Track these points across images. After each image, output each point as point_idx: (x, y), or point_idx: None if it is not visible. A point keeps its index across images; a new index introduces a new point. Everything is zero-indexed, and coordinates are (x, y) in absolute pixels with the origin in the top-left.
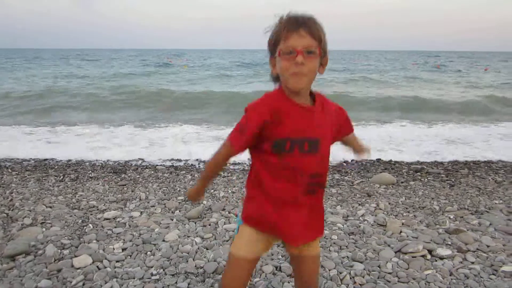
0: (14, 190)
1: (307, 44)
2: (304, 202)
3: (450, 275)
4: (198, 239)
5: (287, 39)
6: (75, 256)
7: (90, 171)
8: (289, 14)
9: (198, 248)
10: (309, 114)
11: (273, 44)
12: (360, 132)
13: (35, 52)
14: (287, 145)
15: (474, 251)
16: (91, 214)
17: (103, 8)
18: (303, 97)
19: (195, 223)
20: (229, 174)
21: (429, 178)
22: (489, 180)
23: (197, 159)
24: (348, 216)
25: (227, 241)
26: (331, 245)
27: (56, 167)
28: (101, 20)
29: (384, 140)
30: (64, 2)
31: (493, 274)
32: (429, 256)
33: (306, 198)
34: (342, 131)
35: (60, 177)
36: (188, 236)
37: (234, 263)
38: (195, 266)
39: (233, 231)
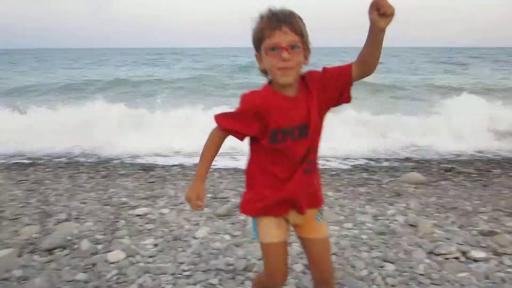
0: (48, 186)
1: (291, 40)
2: (300, 180)
3: (486, 279)
4: (227, 236)
5: (271, 37)
6: (109, 251)
7: (120, 169)
8: (270, 11)
9: (227, 245)
10: (293, 104)
11: (258, 41)
12: None
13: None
14: (279, 136)
15: (511, 254)
16: (122, 210)
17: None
18: (292, 88)
19: (224, 220)
20: None
21: (460, 178)
22: None
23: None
24: (377, 215)
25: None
26: (361, 245)
27: (86, 164)
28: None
29: None
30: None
31: None
32: (463, 258)
33: (302, 178)
34: (335, 83)
35: (91, 174)
36: (218, 233)
37: (266, 251)
38: (225, 263)
39: None
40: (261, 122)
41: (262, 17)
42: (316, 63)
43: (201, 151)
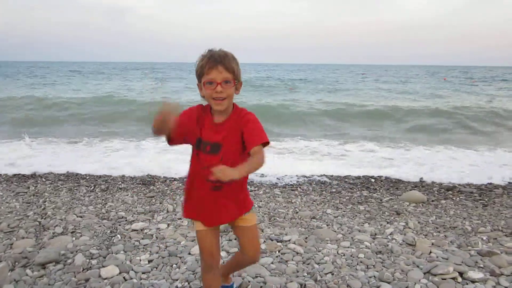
0: (47, 199)
1: (224, 77)
2: (209, 196)
3: None
4: (223, 253)
5: (209, 74)
6: (103, 266)
7: (120, 182)
8: (209, 52)
9: (223, 262)
10: (216, 128)
11: (199, 75)
12: None
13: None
14: (200, 144)
15: (508, 275)
16: (119, 225)
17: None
18: (222, 114)
19: (221, 237)
20: (256, 188)
21: (461, 197)
22: None
23: None
24: (376, 234)
25: None
26: (357, 264)
27: (87, 177)
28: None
29: None
30: (97, 15)
31: None
32: (460, 279)
33: (212, 193)
34: (246, 139)
35: (91, 187)
36: None
37: (197, 236)
38: None
39: None
40: (197, 124)
41: (203, 57)
42: (323, 79)
43: None
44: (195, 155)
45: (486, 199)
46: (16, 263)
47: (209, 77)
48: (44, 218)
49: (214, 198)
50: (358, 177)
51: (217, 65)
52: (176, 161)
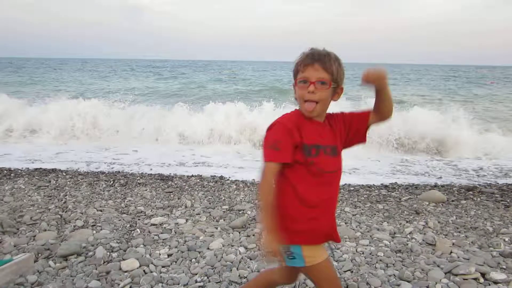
0: (68, 193)
1: (319, 77)
2: (326, 202)
3: None
4: (242, 249)
5: (304, 71)
6: (123, 260)
7: (139, 178)
8: (310, 49)
9: (242, 258)
10: (322, 127)
11: (294, 73)
12: None
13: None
14: (312, 150)
15: None
16: (138, 219)
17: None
18: (318, 118)
19: (239, 232)
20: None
21: (482, 198)
22: None
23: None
24: (395, 233)
25: None
26: (377, 262)
27: (106, 172)
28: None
29: None
30: (114, 12)
31: None
32: (482, 280)
33: (327, 199)
34: (355, 125)
35: (110, 182)
36: (232, 246)
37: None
38: (239, 275)
39: None
40: (296, 143)
41: (303, 54)
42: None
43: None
44: (303, 166)
45: (508, 200)
46: (39, 254)
47: (303, 75)
48: (65, 212)
49: (328, 205)
50: (377, 175)
51: (314, 62)
52: None
